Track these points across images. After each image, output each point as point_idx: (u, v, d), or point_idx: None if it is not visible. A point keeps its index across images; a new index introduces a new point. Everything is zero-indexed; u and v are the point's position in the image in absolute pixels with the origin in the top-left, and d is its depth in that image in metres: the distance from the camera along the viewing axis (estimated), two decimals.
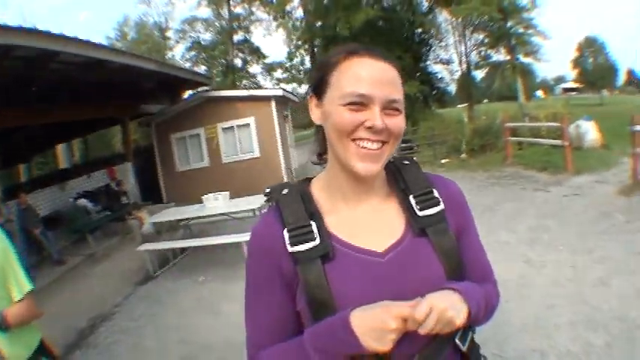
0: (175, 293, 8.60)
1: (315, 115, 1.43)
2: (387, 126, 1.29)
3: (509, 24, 30.67)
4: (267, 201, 1.49)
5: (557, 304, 5.58)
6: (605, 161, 13.51)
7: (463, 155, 19.12)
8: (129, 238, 12.51)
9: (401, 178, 1.48)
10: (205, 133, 18.77)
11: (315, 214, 1.39)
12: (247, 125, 18.49)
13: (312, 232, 1.35)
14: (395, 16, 34.72)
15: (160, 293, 8.80)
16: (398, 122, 1.33)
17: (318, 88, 1.41)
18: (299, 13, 38.87)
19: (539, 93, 78.70)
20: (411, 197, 1.43)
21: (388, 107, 1.30)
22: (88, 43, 10.93)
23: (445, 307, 1.20)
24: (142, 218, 12.70)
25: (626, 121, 10.90)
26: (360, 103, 1.29)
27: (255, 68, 47.77)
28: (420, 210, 1.40)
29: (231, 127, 18.60)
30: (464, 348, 1.39)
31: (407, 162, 1.54)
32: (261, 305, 1.43)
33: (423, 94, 34.95)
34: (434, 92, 40.44)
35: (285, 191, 1.46)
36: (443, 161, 19.12)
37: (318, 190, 1.48)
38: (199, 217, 10.81)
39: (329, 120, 1.35)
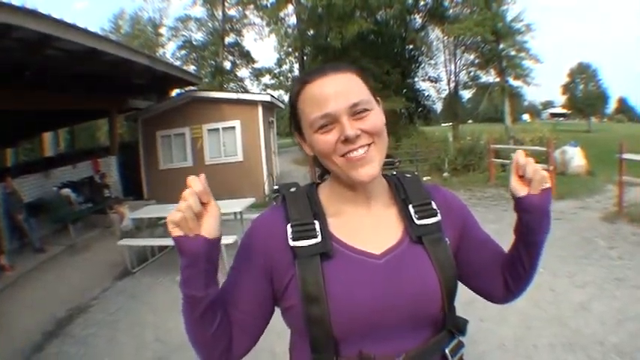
0: (152, 290, 8.67)
1: (306, 148, 1.50)
2: (362, 129, 1.35)
3: (501, 46, 30.86)
4: (275, 197, 1.56)
5: (537, 325, 5.70)
6: (590, 188, 13.79)
7: (446, 174, 19.22)
8: (109, 232, 12.53)
9: (402, 189, 1.55)
10: (191, 133, 18.75)
11: (319, 214, 1.45)
12: (233, 128, 18.49)
13: (315, 229, 1.39)
14: (387, 31, 34.83)
15: (137, 289, 8.87)
16: (371, 120, 1.37)
17: (296, 125, 1.50)
18: (292, 20, 38.95)
19: (526, 116, 79.12)
20: (410, 206, 1.49)
21: (355, 112, 1.35)
22: (87, 32, 10.89)
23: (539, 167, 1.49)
24: (122, 213, 12.74)
25: (613, 149, 11.10)
26: (328, 122, 1.35)
27: (243, 72, 47.54)
28: (418, 219, 1.46)
29: (217, 129, 18.58)
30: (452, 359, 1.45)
31: (409, 175, 1.62)
32: (234, 280, 1.49)
33: (408, 110, 35.22)
34: (419, 109, 40.64)
35: (292, 189, 1.53)
36: (425, 178, 19.00)
37: (323, 194, 1.54)
38: None
39: (314, 149, 1.43)
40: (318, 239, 1.38)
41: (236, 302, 1.46)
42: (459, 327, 1.51)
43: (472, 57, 36.15)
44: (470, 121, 66.03)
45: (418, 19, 36.95)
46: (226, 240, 8.66)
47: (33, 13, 9.05)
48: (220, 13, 42.91)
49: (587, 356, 4.86)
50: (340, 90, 1.35)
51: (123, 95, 18.43)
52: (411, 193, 1.53)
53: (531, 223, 1.57)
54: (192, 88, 20.97)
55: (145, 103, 19.77)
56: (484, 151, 18.68)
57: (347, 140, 1.33)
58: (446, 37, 36.02)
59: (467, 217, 1.66)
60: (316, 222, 1.42)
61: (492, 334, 5.50)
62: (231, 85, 44.95)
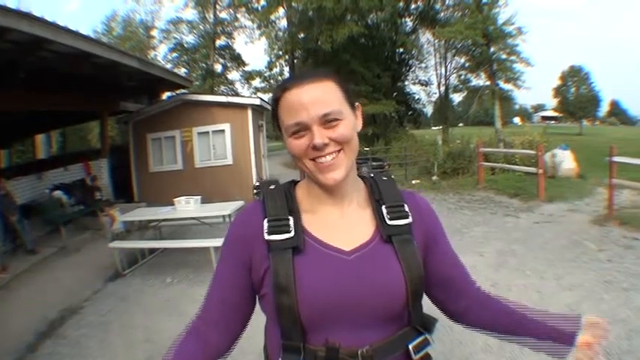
0: (143, 292, 8.73)
1: (287, 147, 1.55)
2: (331, 137, 1.45)
3: (492, 49, 30.84)
4: (256, 193, 1.69)
5: None
6: (580, 190, 13.83)
7: (435, 177, 19.29)
8: (100, 234, 12.52)
9: (377, 190, 1.63)
10: (181, 136, 18.81)
11: (294, 211, 1.55)
12: (222, 131, 18.57)
13: (289, 225, 1.49)
14: (378, 34, 35.01)
15: (128, 291, 8.91)
16: (340, 130, 1.46)
17: (277, 126, 1.59)
18: (283, 23, 39.02)
19: (517, 120, 79.05)
20: (383, 207, 1.58)
21: (325, 122, 1.44)
22: (79, 35, 10.95)
23: None
24: (113, 216, 12.77)
25: (604, 152, 11.09)
26: (301, 129, 1.46)
27: (234, 75, 47.69)
28: (390, 219, 1.54)
29: (207, 132, 18.65)
30: (415, 355, 1.51)
31: (385, 178, 1.69)
32: (220, 283, 1.63)
33: (398, 113, 35.29)
34: (409, 113, 40.78)
35: (272, 187, 1.62)
36: (414, 182, 19.31)
37: (300, 192, 1.64)
38: (170, 220, 10.97)
39: (289, 151, 1.53)
40: (292, 234, 1.48)
41: (223, 295, 1.61)
42: (426, 325, 1.58)
43: (463, 60, 36.29)
44: (460, 125, 66.06)
45: (409, 23, 37.16)
46: (215, 243, 8.79)
47: (27, 16, 9.12)
48: (212, 15, 42.94)
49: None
50: (314, 99, 1.44)
51: (114, 97, 18.39)
52: (385, 194, 1.62)
53: (550, 352, 1.59)
54: (183, 91, 21.03)
55: (136, 105, 19.79)
56: (473, 155, 18.75)
57: (315, 148, 1.43)
58: (437, 41, 36.14)
59: (436, 227, 1.73)
60: (291, 218, 1.52)
61: (478, 336, 5.36)
62: (222, 88, 45.13)
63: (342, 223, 1.56)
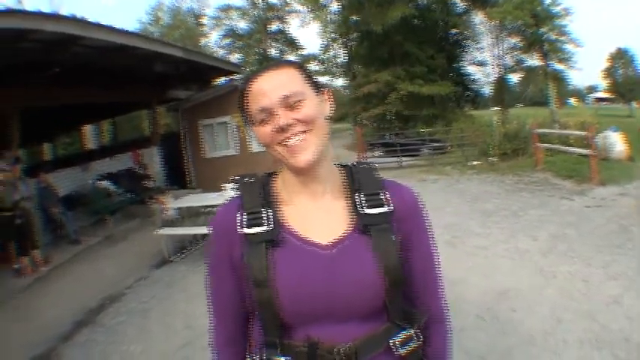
0: (188, 279, 8.63)
1: (257, 137, 1.53)
2: (296, 118, 1.43)
3: (541, 30, 30.31)
4: (233, 187, 1.61)
5: (567, 318, 5.42)
6: (630, 174, 13.27)
7: (492, 158, 18.96)
8: (149, 222, 12.50)
9: (356, 179, 1.57)
10: (233, 122, 18.57)
11: (270, 203, 1.52)
12: None
13: (263, 218, 1.46)
14: (429, 16, 34.49)
15: (173, 278, 8.88)
16: (305, 111, 1.44)
17: (246, 119, 1.55)
18: (335, 6, 38.71)
19: (572, 101, 77.91)
20: (360, 195, 1.52)
21: (288, 103, 1.43)
22: (113, 29, 11.10)
23: None
24: (164, 203, 12.71)
25: None
26: (266, 116, 1.44)
27: (290, 59, 47.78)
28: (367, 208, 1.49)
29: None
30: (399, 351, 1.45)
31: (364, 165, 1.65)
32: (216, 287, 1.62)
33: (455, 94, 34.75)
34: (467, 94, 40.16)
35: (249, 180, 1.61)
36: (474, 163, 19.03)
37: (278, 183, 1.61)
38: (218, 206, 10.75)
39: (258, 141, 1.51)
40: (266, 227, 1.45)
41: (237, 314, 1.62)
42: (411, 319, 1.51)
43: (515, 41, 35.69)
44: (519, 105, 65.31)
45: (460, 3, 36.40)
46: None
47: (54, 17, 9.48)
48: (261, 0, 42.93)
49: (613, 355, 4.60)
50: (275, 84, 1.44)
51: (162, 86, 18.52)
52: (363, 182, 1.57)
53: None
54: (235, 76, 20.87)
55: (186, 93, 19.84)
56: (528, 136, 18.35)
57: (281, 129, 1.42)
58: (489, 22, 35.46)
59: (418, 223, 1.64)
60: (266, 210, 1.50)
61: (522, 326, 5.32)
62: None
63: (319, 214, 1.53)
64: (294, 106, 1.43)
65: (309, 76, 1.53)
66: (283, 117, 1.41)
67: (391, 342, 1.44)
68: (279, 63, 1.52)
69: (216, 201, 10.20)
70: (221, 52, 41.61)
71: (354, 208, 1.51)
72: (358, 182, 1.56)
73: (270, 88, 1.43)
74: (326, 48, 41.76)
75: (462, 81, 38.69)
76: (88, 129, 29.56)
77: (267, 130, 1.45)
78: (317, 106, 1.49)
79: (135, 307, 7.63)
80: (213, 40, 48.03)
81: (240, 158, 18.39)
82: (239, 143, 18.72)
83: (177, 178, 18.82)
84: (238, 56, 43.90)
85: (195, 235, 10.72)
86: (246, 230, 1.46)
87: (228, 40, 46.21)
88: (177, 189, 16.89)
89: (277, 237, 1.44)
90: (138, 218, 13.84)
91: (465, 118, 32.17)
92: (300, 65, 1.56)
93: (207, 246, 1.63)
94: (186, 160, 19.46)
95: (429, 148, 22.72)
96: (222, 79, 21.36)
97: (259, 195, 1.54)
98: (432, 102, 32.07)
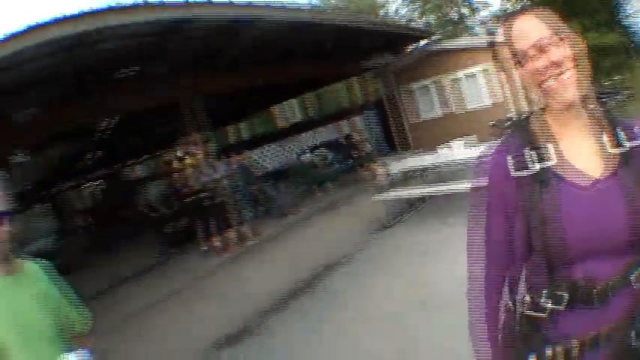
0: (409, 241, 8.44)
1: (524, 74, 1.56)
2: (564, 55, 1.45)
3: None
4: (493, 133, 1.36)
5: None
6: None
7: None
8: (361, 190, 12.52)
9: (611, 116, 1.57)
10: (441, 83, 18.45)
11: (534, 144, 1.54)
12: (474, 75, 17.83)
13: (533, 159, 1.50)
14: None
15: (393, 242, 8.74)
16: (570, 48, 1.48)
17: (515, 59, 1.55)
18: None
19: None
20: (618, 130, 1.52)
21: (553, 43, 1.46)
22: (293, 9, 12.10)
23: None
24: (375, 170, 12.63)
25: None
26: (537, 51, 1.47)
27: (473, 21, 46.14)
28: (628, 141, 1.49)
29: (473, 75, 17.89)
30: (637, 285, 1.43)
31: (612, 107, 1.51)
32: (489, 235, 1.67)
33: (624, 45, 32.47)
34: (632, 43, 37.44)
35: (508, 124, 1.61)
36: None
37: (536, 124, 1.60)
38: (436, 166, 10.73)
39: (526, 77, 1.54)
40: (536, 168, 1.49)
41: (507, 253, 1.62)
42: None
43: None
44: None
45: None
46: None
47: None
48: None
49: None
50: (542, 25, 1.49)
51: (357, 56, 18.64)
52: (617, 121, 1.55)
53: None
54: (435, 37, 21.13)
55: (385, 59, 19.80)
56: None
57: (555, 64, 1.44)
58: None
59: None
60: (532, 152, 1.52)
61: None
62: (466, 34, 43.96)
63: (583, 152, 1.53)
64: (559, 44, 1.46)
65: (560, 21, 1.54)
66: (555, 52, 1.44)
67: (632, 277, 1.43)
68: (537, 7, 1.58)
69: (432, 161, 10.02)
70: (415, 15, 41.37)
71: (615, 143, 1.50)
72: (613, 121, 1.55)
73: (536, 27, 1.49)
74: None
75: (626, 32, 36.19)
76: (291, 103, 30.48)
77: (537, 65, 1.46)
78: (579, 48, 1.51)
79: (355, 271, 7.68)
80: (394, 8, 47.48)
81: (454, 118, 18.28)
82: (448, 104, 18.49)
83: (388, 143, 18.98)
84: (432, 17, 43.29)
85: (408, 200, 10.53)
86: (519, 173, 1.51)
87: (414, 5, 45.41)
88: (389, 154, 16.88)
89: (547, 177, 1.47)
90: (349, 187, 13.94)
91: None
92: (552, 10, 1.57)
93: (475, 195, 1.67)
94: (396, 125, 19.49)
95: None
96: (422, 42, 21.07)
97: (524, 137, 1.56)
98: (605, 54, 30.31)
